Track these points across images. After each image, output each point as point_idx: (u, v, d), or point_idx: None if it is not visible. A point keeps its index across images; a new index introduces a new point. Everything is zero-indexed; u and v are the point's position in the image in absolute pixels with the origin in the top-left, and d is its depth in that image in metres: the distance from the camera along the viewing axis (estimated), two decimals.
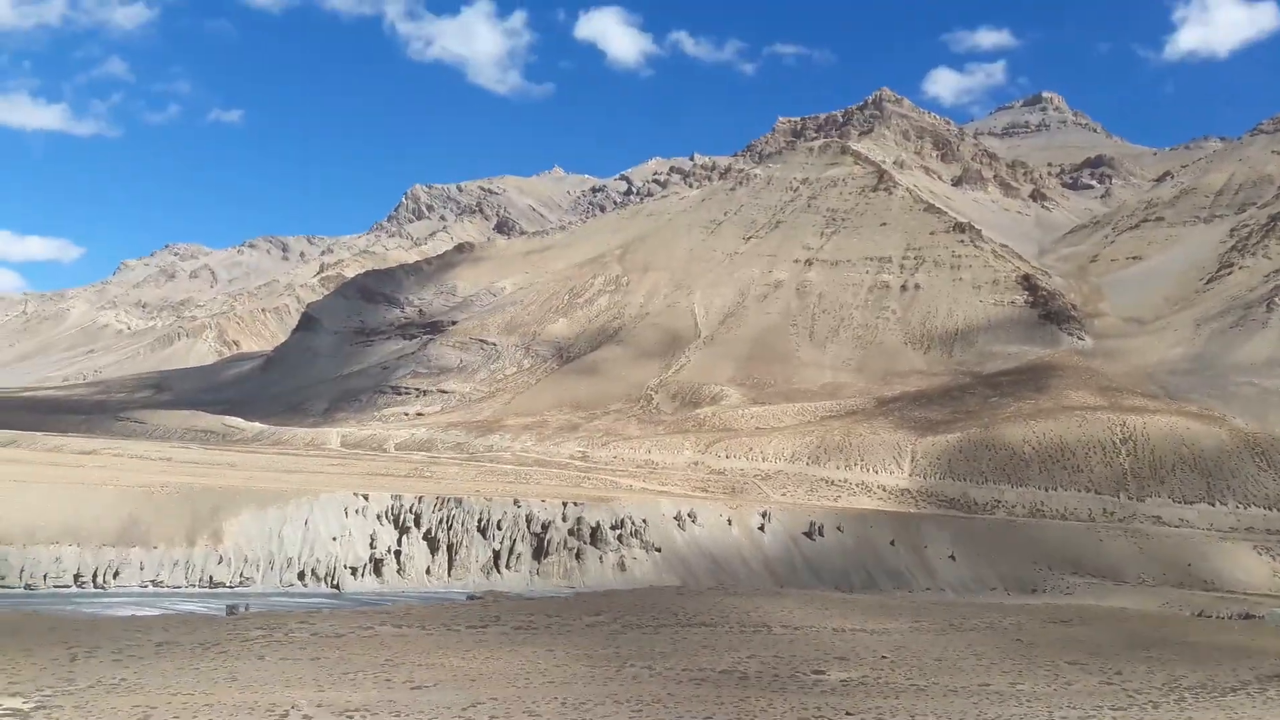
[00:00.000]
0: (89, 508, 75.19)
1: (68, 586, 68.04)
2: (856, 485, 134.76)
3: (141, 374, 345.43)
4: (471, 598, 69.04)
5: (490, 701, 27.65)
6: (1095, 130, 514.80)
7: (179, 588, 72.01)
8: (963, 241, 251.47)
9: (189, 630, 36.87)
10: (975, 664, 36.49)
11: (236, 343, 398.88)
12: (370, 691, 28.38)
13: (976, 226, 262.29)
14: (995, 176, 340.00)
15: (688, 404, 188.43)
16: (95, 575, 69.99)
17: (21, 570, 67.26)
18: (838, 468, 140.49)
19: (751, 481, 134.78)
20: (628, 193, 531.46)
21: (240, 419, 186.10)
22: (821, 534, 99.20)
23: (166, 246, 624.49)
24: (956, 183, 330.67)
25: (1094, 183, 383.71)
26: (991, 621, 47.71)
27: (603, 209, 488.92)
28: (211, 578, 73.99)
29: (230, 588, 73.71)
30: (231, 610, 48.97)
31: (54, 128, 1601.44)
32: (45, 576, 67.72)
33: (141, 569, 72.72)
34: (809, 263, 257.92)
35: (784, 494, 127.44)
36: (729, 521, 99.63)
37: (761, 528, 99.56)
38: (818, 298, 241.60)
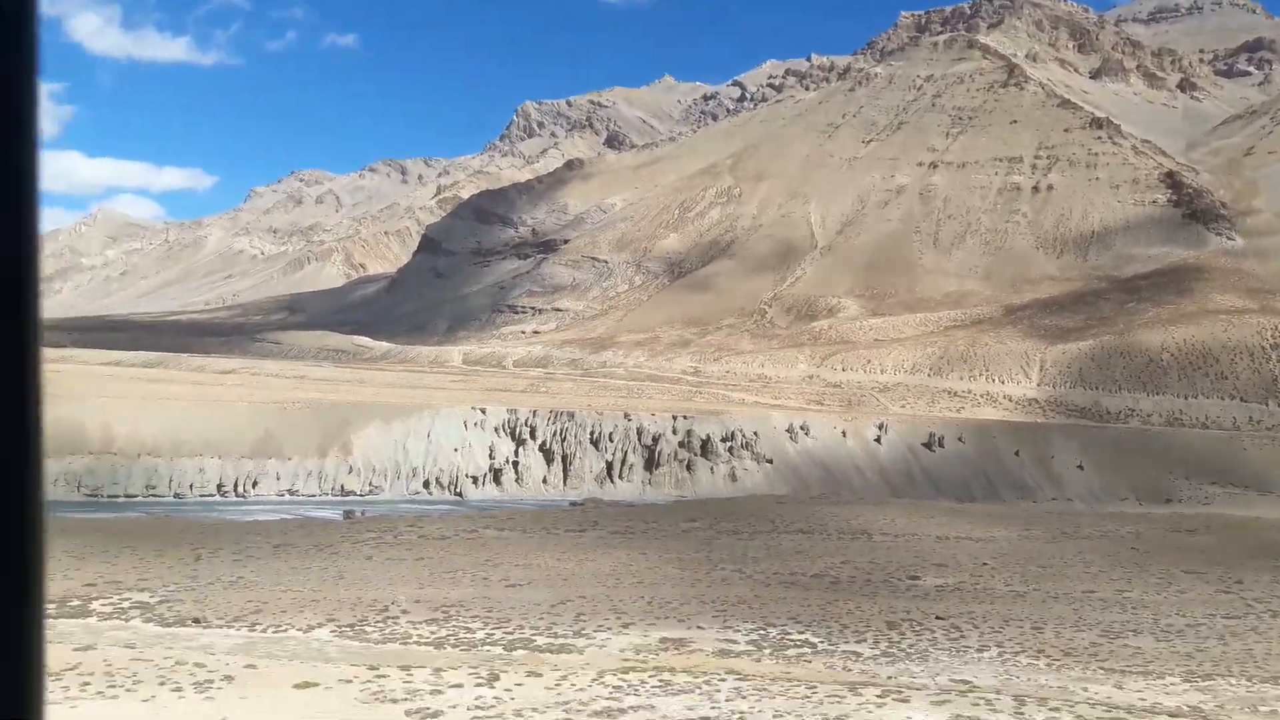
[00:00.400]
0: (229, 423, 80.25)
1: (212, 495, 73.16)
2: (981, 396, 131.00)
3: (276, 296, 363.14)
4: (574, 504, 71.02)
5: (579, 599, 28.42)
6: (1254, 11, 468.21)
7: (313, 496, 76.50)
8: (1100, 138, 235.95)
9: (306, 534, 39.16)
10: (1082, 571, 35.30)
11: (363, 265, 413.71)
12: (467, 589, 29.59)
13: (1115, 121, 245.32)
14: (1138, 67, 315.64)
15: (803, 317, 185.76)
16: (236, 485, 74.99)
17: (170, 480, 72.72)
18: (961, 379, 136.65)
19: (869, 394, 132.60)
20: (741, 99, 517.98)
21: (368, 338, 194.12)
22: (941, 445, 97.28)
23: (293, 173, 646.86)
24: (1095, 75, 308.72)
25: (1251, 69, 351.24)
26: (1108, 530, 45.88)
27: (715, 117, 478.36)
28: (343, 487, 78.29)
29: (361, 496, 77.87)
30: (348, 515, 51.77)
31: (180, 60, 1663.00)
32: (191, 486, 73.00)
33: (278, 479, 77.52)
34: (933, 165, 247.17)
35: (903, 406, 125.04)
36: (843, 433, 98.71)
37: (878, 439, 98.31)
38: (943, 202, 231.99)
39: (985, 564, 36.29)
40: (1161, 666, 22.94)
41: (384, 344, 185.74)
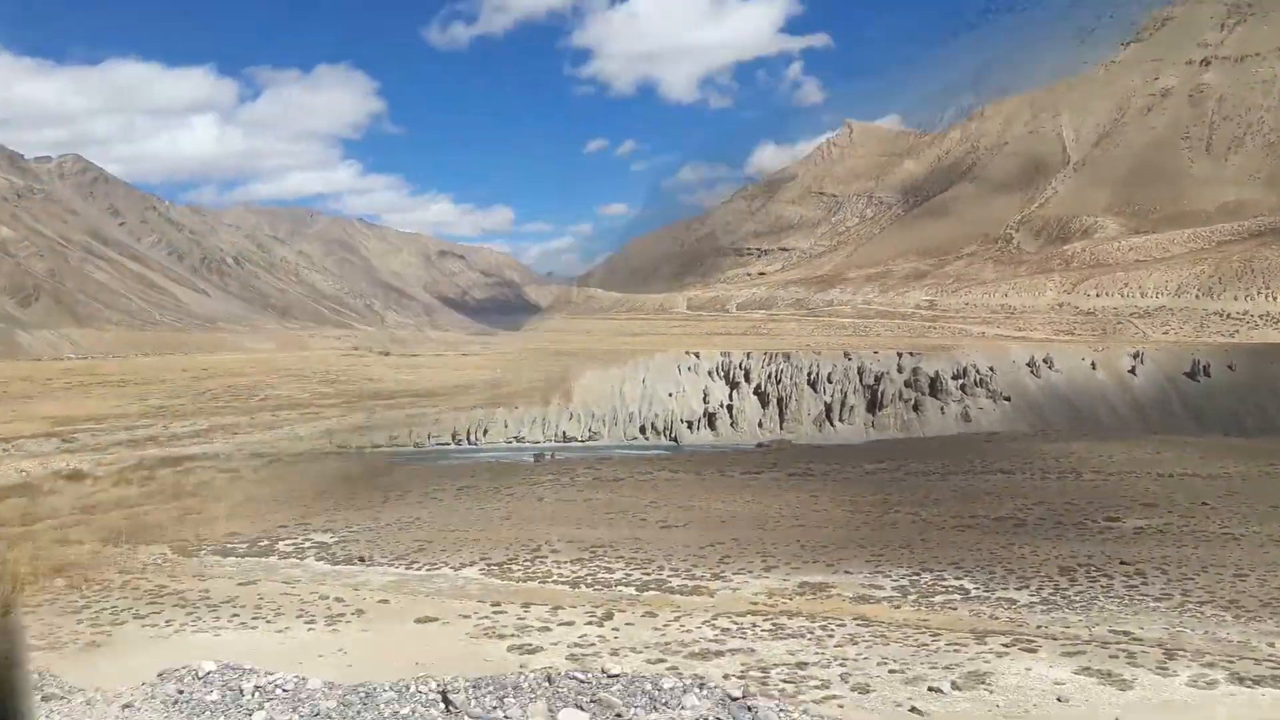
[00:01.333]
0: (462, 375, 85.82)
1: (447, 444, 78.35)
2: (1259, 318, 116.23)
3: None
4: (760, 446, 69.70)
5: (730, 542, 27.88)
6: None
7: (537, 442, 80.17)
8: None
9: (491, 476, 41.11)
10: None
11: None
12: (622, 530, 29.85)
13: None
14: None
15: (1054, 240, 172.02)
16: (469, 433, 79.93)
17: (410, 431, 78.65)
18: (1235, 299, 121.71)
19: (1126, 320, 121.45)
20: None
21: (600, 289, 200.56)
22: (1207, 373, 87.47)
23: None
24: None
25: None
26: None
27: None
28: (564, 433, 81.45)
29: (581, 441, 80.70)
30: (537, 458, 53.86)
31: None
32: (429, 435, 78.57)
33: (506, 426, 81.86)
34: (1205, 63, 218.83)
35: (1165, 332, 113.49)
36: (1092, 365, 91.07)
37: (1132, 370, 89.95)
38: (1216, 103, 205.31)
39: (1204, 504, 32.02)
40: None
41: (614, 294, 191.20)
